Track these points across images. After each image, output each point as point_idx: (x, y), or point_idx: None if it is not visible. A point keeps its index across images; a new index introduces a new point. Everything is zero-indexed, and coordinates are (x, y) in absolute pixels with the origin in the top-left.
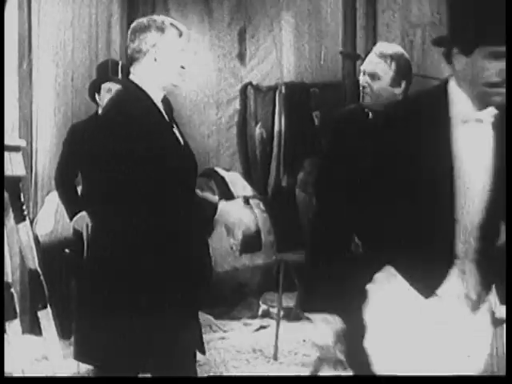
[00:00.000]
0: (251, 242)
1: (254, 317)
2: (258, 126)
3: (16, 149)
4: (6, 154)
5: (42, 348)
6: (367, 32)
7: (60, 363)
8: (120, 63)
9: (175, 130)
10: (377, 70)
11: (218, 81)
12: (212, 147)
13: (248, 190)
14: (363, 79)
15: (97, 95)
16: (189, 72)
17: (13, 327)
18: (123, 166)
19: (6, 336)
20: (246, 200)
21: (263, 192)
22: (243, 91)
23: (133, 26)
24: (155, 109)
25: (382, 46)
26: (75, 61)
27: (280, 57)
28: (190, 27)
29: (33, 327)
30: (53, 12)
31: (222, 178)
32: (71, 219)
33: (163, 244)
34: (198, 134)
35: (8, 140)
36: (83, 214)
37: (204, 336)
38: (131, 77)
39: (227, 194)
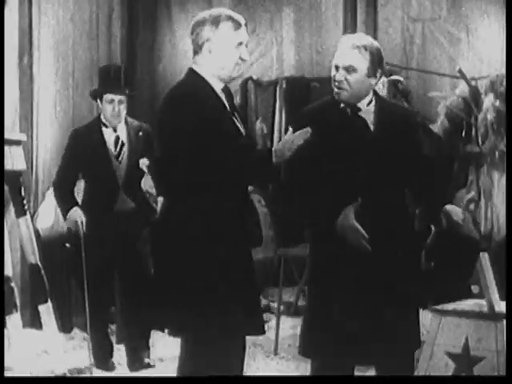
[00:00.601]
0: (251, 237)
1: None
2: (259, 120)
3: (16, 143)
4: (7, 148)
5: (43, 342)
6: (367, 27)
7: (60, 357)
8: (122, 68)
9: (236, 119)
10: (352, 61)
11: None
12: None
13: None
14: (339, 74)
15: (99, 102)
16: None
17: (13, 321)
18: (184, 153)
19: (6, 330)
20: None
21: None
22: (243, 86)
23: (193, 19)
24: (215, 98)
25: (352, 38)
26: (76, 55)
27: (280, 51)
28: (190, 22)
29: (33, 321)
30: (53, 6)
31: None
32: (65, 218)
33: (221, 232)
34: None
35: (8, 134)
36: (74, 209)
37: None
38: (193, 66)
39: None
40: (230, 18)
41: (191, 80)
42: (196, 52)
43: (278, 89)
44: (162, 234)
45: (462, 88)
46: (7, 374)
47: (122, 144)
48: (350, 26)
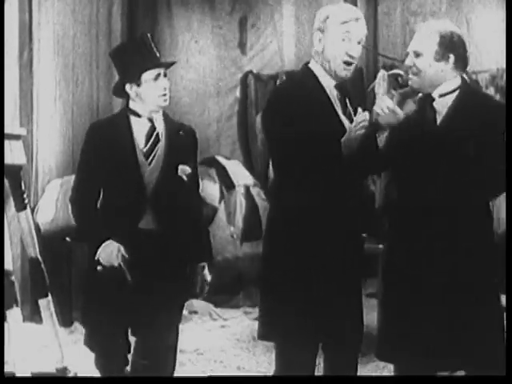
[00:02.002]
0: (252, 231)
1: (255, 305)
2: (259, 114)
3: (16, 137)
4: (7, 142)
5: (43, 336)
6: (367, 20)
7: (60, 351)
8: (150, 37)
9: (342, 116)
10: (418, 45)
11: (218, 70)
12: (212, 136)
13: (248, 179)
14: (408, 59)
15: (132, 90)
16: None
17: (13, 315)
18: (294, 154)
19: (6, 324)
20: (247, 189)
21: (264, 180)
22: (244, 80)
23: None
24: (321, 94)
25: (428, 23)
26: (76, 49)
27: (280, 45)
28: (190, 16)
29: (33, 315)
30: (53, 1)
31: (223, 167)
32: (94, 251)
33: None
34: (198, 123)
35: (8, 128)
36: (109, 242)
37: (204, 324)
38: (310, 61)
39: (228, 183)
40: (342, 11)
41: (300, 76)
42: (314, 45)
43: (278, 83)
44: (275, 232)
45: None
46: (7, 368)
47: (157, 139)
48: None
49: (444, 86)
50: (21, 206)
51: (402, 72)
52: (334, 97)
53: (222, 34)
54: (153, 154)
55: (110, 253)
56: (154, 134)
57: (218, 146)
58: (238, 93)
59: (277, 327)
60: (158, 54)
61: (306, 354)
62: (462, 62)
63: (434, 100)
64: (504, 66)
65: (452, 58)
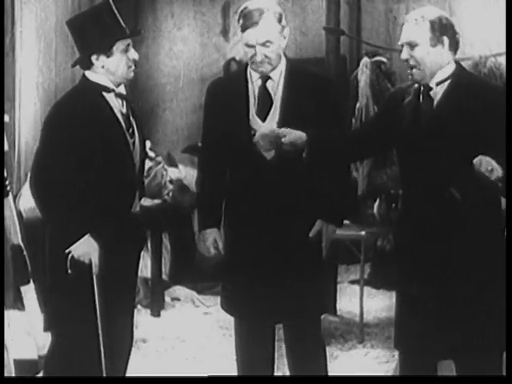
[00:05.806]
0: None
1: None
2: None
3: None
4: None
5: (25, 323)
6: (351, 8)
7: (43, 338)
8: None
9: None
10: (411, 36)
11: (201, 56)
12: (196, 123)
13: None
14: (404, 52)
15: (99, 57)
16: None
17: None
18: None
19: None
20: None
21: None
22: (227, 66)
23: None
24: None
25: (412, 13)
26: (58, 36)
27: None
28: (172, 3)
29: (15, 302)
30: None
31: None
32: (68, 241)
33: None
34: (181, 110)
35: None
36: (85, 238)
37: (187, 311)
38: None
39: None
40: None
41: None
42: None
43: None
44: None
45: None
46: None
47: (132, 113)
48: (333, 7)
49: (440, 73)
50: (3, 193)
51: (384, 59)
52: (256, 91)
53: (205, 20)
54: (131, 131)
55: (86, 251)
56: (130, 110)
57: (201, 133)
58: None
59: (234, 302)
60: (123, 23)
61: (260, 331)
62: (454, 43)
63: (431, 89)
64: (487, 53)
65: (446, 40)
